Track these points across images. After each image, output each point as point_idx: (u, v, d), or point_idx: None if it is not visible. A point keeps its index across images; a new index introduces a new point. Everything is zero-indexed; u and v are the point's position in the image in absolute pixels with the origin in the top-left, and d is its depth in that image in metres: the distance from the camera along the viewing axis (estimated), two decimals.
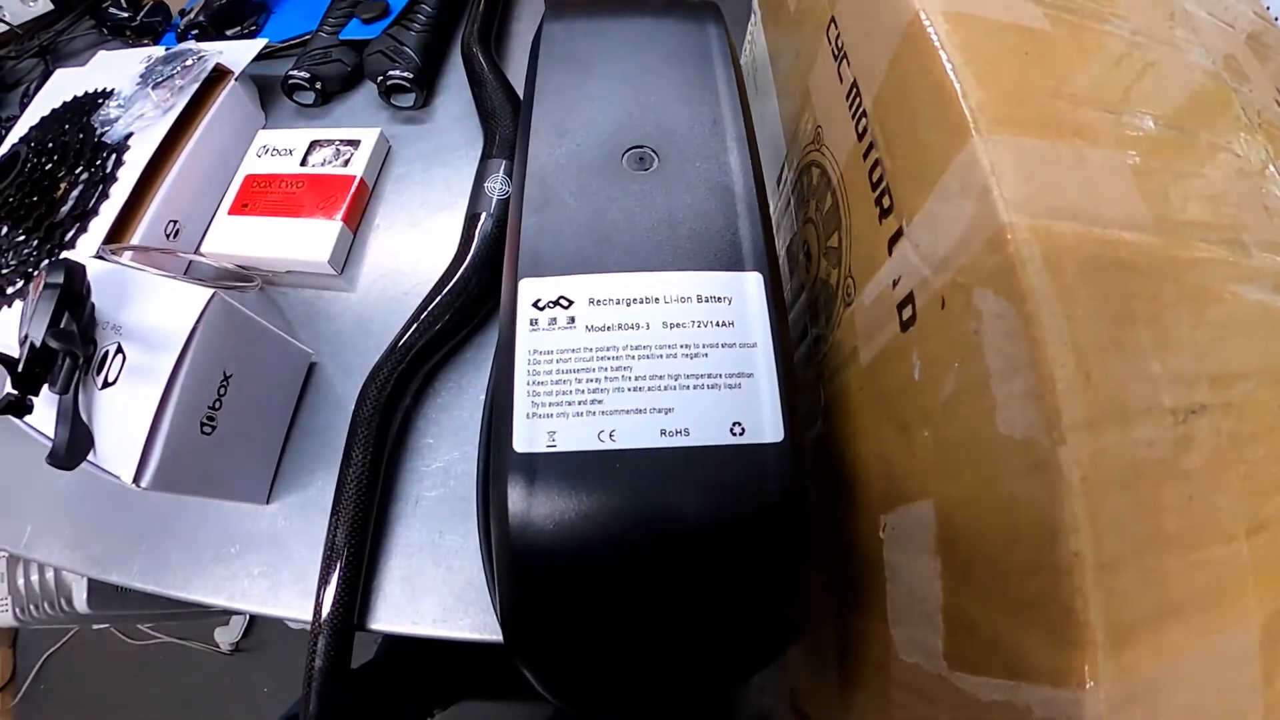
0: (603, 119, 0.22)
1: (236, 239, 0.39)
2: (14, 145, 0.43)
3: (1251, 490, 0.14)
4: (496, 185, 0.34)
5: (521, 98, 0.25)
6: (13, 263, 0.39)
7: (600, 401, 0.17)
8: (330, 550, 0.30)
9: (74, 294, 0.28)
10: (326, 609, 0.29)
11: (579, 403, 0.17)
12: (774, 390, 0.18)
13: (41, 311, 0.27)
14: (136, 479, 0.27)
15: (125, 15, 0.53)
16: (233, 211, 0.39)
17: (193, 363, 0.28)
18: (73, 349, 0.26)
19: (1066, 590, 0.13)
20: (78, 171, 0.40)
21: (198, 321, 0.28)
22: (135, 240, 0.38)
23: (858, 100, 0.22)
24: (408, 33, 0.41)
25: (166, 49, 0.43)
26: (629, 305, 0.19)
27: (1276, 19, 0.25)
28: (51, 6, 0.58)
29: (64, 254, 0.37)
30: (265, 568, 0.33)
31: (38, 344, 0.26)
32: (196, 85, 0.40)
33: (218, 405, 0.29)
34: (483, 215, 0.34)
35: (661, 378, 0.18)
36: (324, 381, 0.36)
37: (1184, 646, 0.13)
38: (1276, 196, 0.18)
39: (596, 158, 0.21)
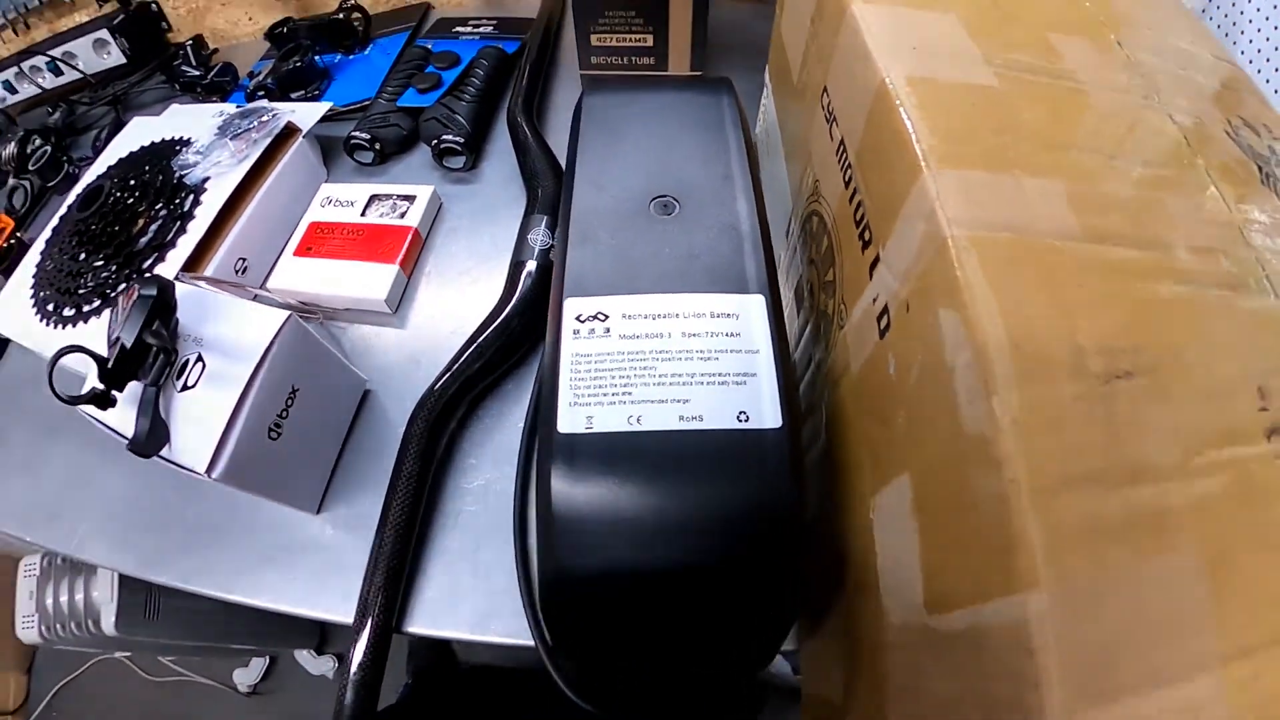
0: (633, 174, 0.28)
1: (301, 277, 0.46)
2: (97, 180, 0.51)
3: (1178, 444, 0.18)
4: (539, 237, 0.41)
5: (563, 160, 0.32)
6: (91, 284, 0.47)
7: (630, 393, 0.22)
8: (376, 553, 0.35)
9: (165, 304, 0.34)
10: (369, 609, 0.34)
11: (612, 394, 0.22)
12: (774, 387, 0.23)
13: (134, 317, 0.33)
14: (209, 470, 0.32)
15: (197, 74, 0.63)
16: (298, 253, 0.47)
17: (267, 372, 0.34)
18: (166, 346, 0.32)
19: (1007, 512, 0.16)
20: (157, 207, 0.48)
21: (275, 337, 0.34)
22: (208, 272, 0.45)
23: (844, 154, 0.28)
24: (459, 102, 0.50)
25: (238, 106, 0.52)
26: (654, 319, 0.24)
27: (1253, 60, 0.30)
28: (124, 60, 0.69)
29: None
30: (308, 573, 0.37)
31: (128, 345, 0.32)
32: (269, 140, 0.48)
33: (284, 415, 0.35)
34: (527, 263, 0.40)
35: (680, 375, 0.23)
36: (376, 407, 0.42)
37: (1125, 563, 0.16)
38: (1208, 210, 0.22)
39: (628, 205, 0.27)
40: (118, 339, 0.33)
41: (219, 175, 0.48)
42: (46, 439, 0.48)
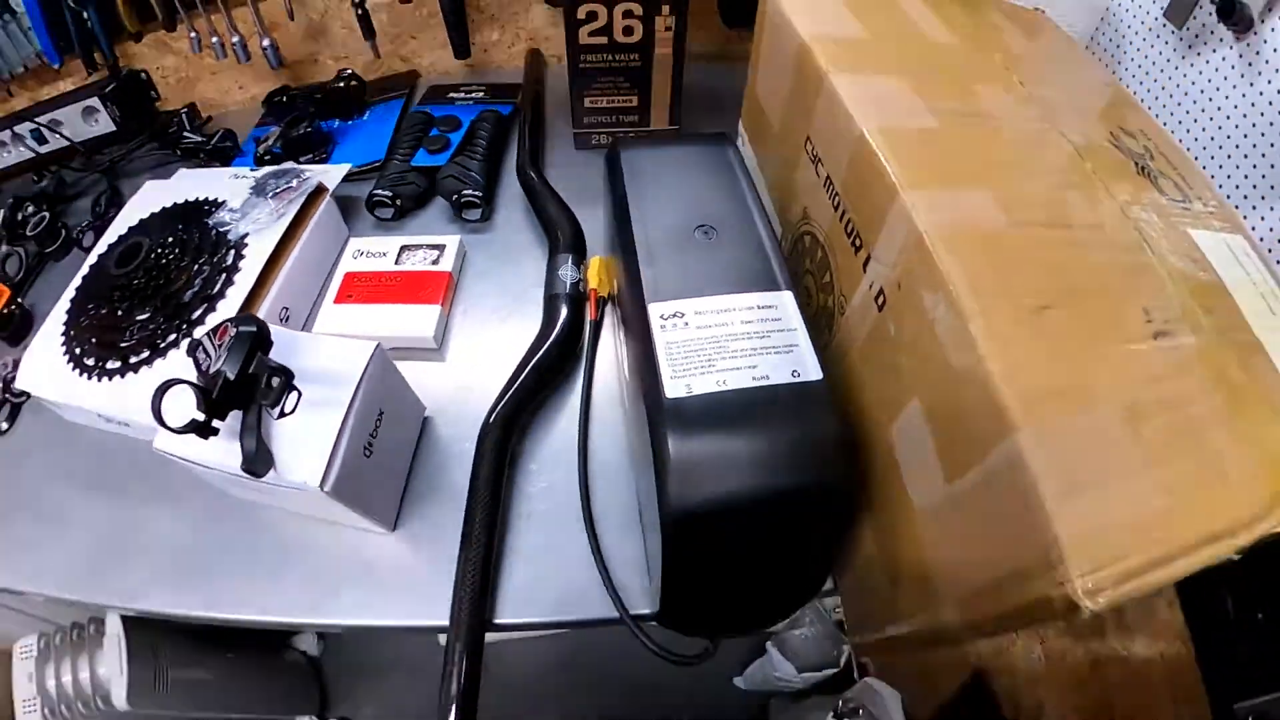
0: (675, 210, 0.38)
1: (346, 322, 0.52)
2: (131, 238, 0.56)
3: (1093, 345, 0.27)
4: (567, 273, 0.50)
5: (573, 207, 0.40)
6: (138, 336, 0.51)
7: (713, 365, 0.32)
8: (464, 560, 0.40)
9: (264, 338, 0.40)
10: (463, 608, 0.39)
11: (701, 367, 0.32)
12: (811, 353, 0.33)
13: (235, 352, 0.38)
14: (323, 483, 0.38)
15: (199, 140, 0.69)
16: (338, 301, 0.53)
17: (363, 396, 0.40)
18: (287, 375, 0.38)
19: (990, 388, 0.25)
20: (200, 262, 0.53)
21: (368, 364, 0.40)
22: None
23: (831, 186, 0.39)
24: (472, 160, 0.58)
25: (251, 169, 0.58)
26: (717, 313, 0.33)
27: (1135, 75, 0.43)
28: (114, 127, 0.74)
29: (196, 328, 0.51)
30: (387, 586, 0.43)
31: (232, 377, 0.37)
32: (304, 198, 0.55)
33: (375, 434, 0.42)
34: (560, 296, 0.49)
35: (745, 349, 0.32)
36: (433, 432, 0.48)
37: (1070, 412, 0.25)
38: (1098, 199, 0.33)
39: (677, 233, 0.37)
40: (218, 372, 0.38)
41: (257, 231, 0.54)
42: (81, 495, 0.51)
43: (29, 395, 0.59)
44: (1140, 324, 0.29)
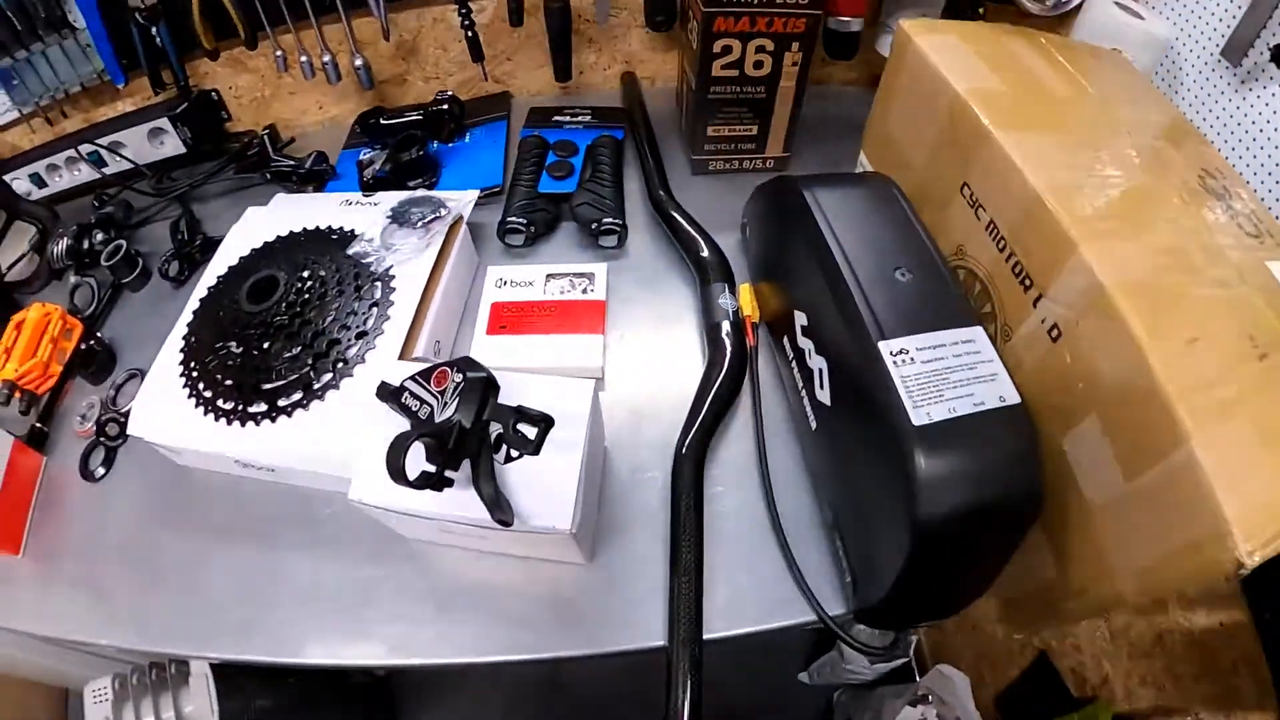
0: (876, 252, 0.48)
1: (503, 353, 0.59)
2: (263, 271, 0.58)
3: (1226, 364, 0.39)
4: (726, 302, 0.59)
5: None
6: (290, 376, 0.54)
7: (942, 395, 0.42)
8: (676, 580, 0.47)
9: (494, 385, 0.45)
10: (682, 626, 0.46)
11: (933, 398, 0.41)
12: (1008, 380, 0.43)
13: (468, 400, 0.43)
14: (572, 526, 0.44)
15: (292, 164, 0.74)
16: (490, 332, 0.60)
17: (590, 437, 0.47)
18: (547, 422, 0.43)
19: (1166, 404, 0.37)
20: (346, 296, 0.57)
21: (593, 404, 0.48)
22: (417, 354, 0.56)
23: (995, 230, 0.49)
24: (603, 187, 0.66)
25: (361, 194, 0.64)
26: (934, 348, 0.43)
27: (1191, 105, 0.55)
28: (183, 149, 0.77)
29: (355, 367, 0.54)
30: (593, 616, 0.49)
31: (468, 425, 0.42)
32: (448, 227, 0.61)
33: (595, 466, 0.50)
34: (722, 324, 0.58)
35: (962, 380, 0.42)
36: (609, 462, 0.56)
37: (1225, 420, 0.36)
38: (1209, 245, 0.45)
39: (881, 275, 0.47)
40: (451, 421, 0.42)
41: (401, 264, 0.59)
42: (217, 544, 0.55)
43: (125, 439, 0.63)
44: (1249, 348, 0.41)
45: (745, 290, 0.60)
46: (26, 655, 0.86)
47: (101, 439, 0.63)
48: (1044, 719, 0.89)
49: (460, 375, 0.44)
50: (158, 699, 0.77)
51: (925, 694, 0.96)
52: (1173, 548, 0.38)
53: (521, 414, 0.44)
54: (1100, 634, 0.84)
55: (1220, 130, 0.67)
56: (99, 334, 0.70)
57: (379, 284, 0.59)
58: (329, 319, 0.57)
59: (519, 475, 0.45)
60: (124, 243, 0.72)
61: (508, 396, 0.46)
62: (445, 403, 0.44)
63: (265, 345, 0.55)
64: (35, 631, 0.55)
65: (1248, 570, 0.34)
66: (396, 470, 0.40)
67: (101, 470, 0.62)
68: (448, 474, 0.42)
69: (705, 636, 0.48)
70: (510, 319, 0.61)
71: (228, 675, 0.80)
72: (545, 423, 0.43)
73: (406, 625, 0.50)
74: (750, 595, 0.50)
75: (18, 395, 0.64)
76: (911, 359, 0.43)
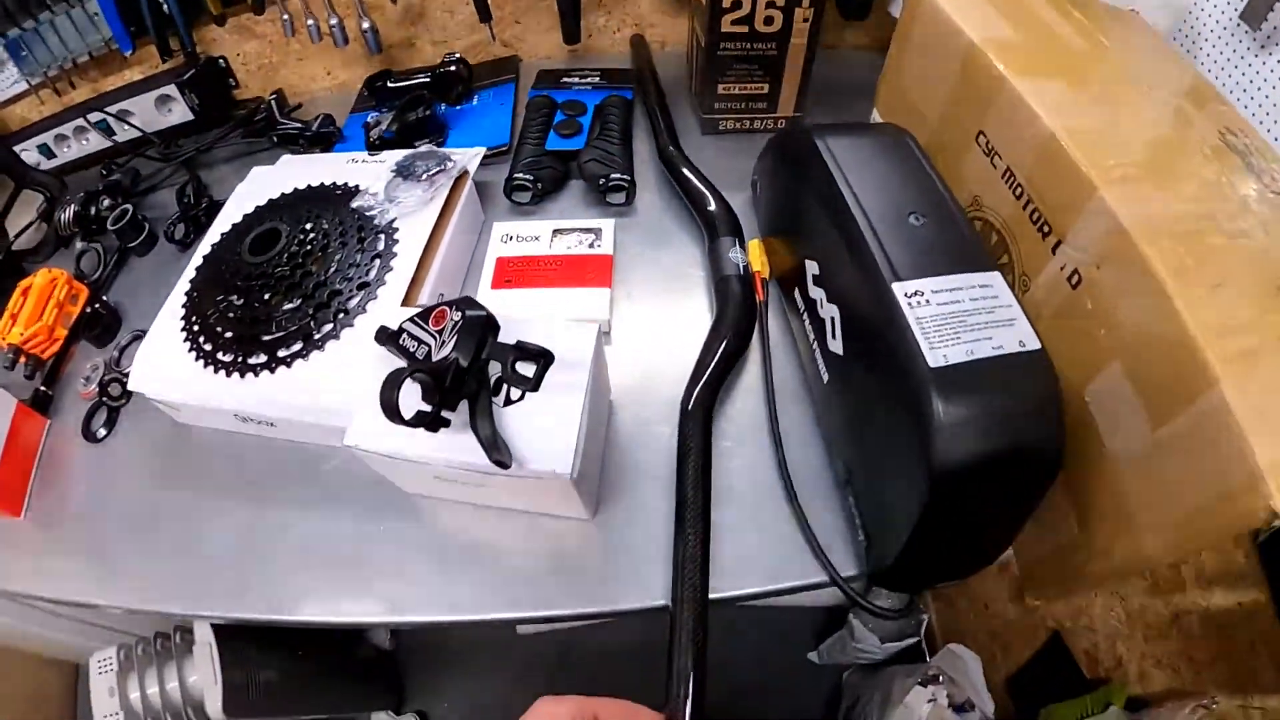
0: (890, 198, 0.46)
1: (507, 307, 0.58)
2: (265, 224, 0.58)
3: (1251, 306, 0.38)
4: (735, 256, 0.58)
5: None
6: (290, 327, 0.53)
7: (959, 337, 0.40)
8: (682, 536, 0.45)
9: (494, 324, 0.44)
10: (686, 583, 0.44)
11: (949, 339, 0.40)
12: (1028, 325, 0.42)
13: (467, 338, 0.41)
14: (572, 471, 0.42)
15: (299, 126, 0.73)
16: (496, 286, 0.60)
17: (593, 382, 0.46)
18: (547, 358, 0.42)
19: (1193, 348, 0.35)
20: (349, 248, 0.57)
21: (596, 346, 0.47)
22: (421, 304, 0.56)
23: (1011, 177, 0.48)
24: (611, 144, 0.65)
25: (364, 153, 0.63)
26: (950, 291, 0.42)
27: (1210, 69, 0.54)
28: (191, 116, 0.77)
29: (356, 317, 0.53)
30: (598, 573, 0.48)
31: (465, 364, 0.40)
32: (452, 181, 0.61)
33: (599, 415, 0.49)
34: (731, 278, 0.57)
35: (980, 323, 0.41)
36: (615, 417, 0.55)
37: (1255, 364, 0.35)
38: (1232, 197, 0.44)
39: (895, 220, 0.45)
40: (449, 360, 0.41)
41: (405, 217, 0.59)
42: (213, 502, 0.54)
43: (128, 399, 0.63)
44: (1277, 296, 0.40)
45: (755, 245, 0.59)
46: (37, 629, 0.87)
47: (104, 399, 0.63)
48: (1056, 700, 0.88)
49: (459, 314, 0.43)
50: (162, 668, 0.77)
51: (936, 674, 0.94)
52: (1202, 500, 0.36)
53: (521, 350, 0.42)
54: (1115, 615, 0.83)
55: (1240, 95, 0.65)
56: (105, 298, 0.69)
57: (382, 236, 0.58)
58: (331, 270, 0.56)
59: (519, 419, 0.44)
60: (130, 207, 0.71)
61: (509, 338, 0.45)
62: (443, 341, 0.43)
63: (266, 296, 0.55)
64: (34, 592, 0.54)
65: None
66: (390, 406, 0.39)
67: (103, 431, 0.62)
68: (444, 414, 0.41)
69: (711, 596, 0.46)
70: (516, 273, 0.60)
71: (232, 646, 0.80)
72: (544, 358, 0.42)
73: (406, 583, 0.50)
74: (759, 555, 0.49)
75: (23, 360, 0.65)
76: (926, 301, 0.42)
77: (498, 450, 0.41)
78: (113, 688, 0.75)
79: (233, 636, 0.81)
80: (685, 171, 0.64)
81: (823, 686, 1.09)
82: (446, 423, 0.41)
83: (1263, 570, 0.63)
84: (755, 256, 0.58)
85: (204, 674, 0.76)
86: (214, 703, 0.75)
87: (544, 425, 0.43)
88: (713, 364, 0.53)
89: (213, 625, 0.79)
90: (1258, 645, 0.64)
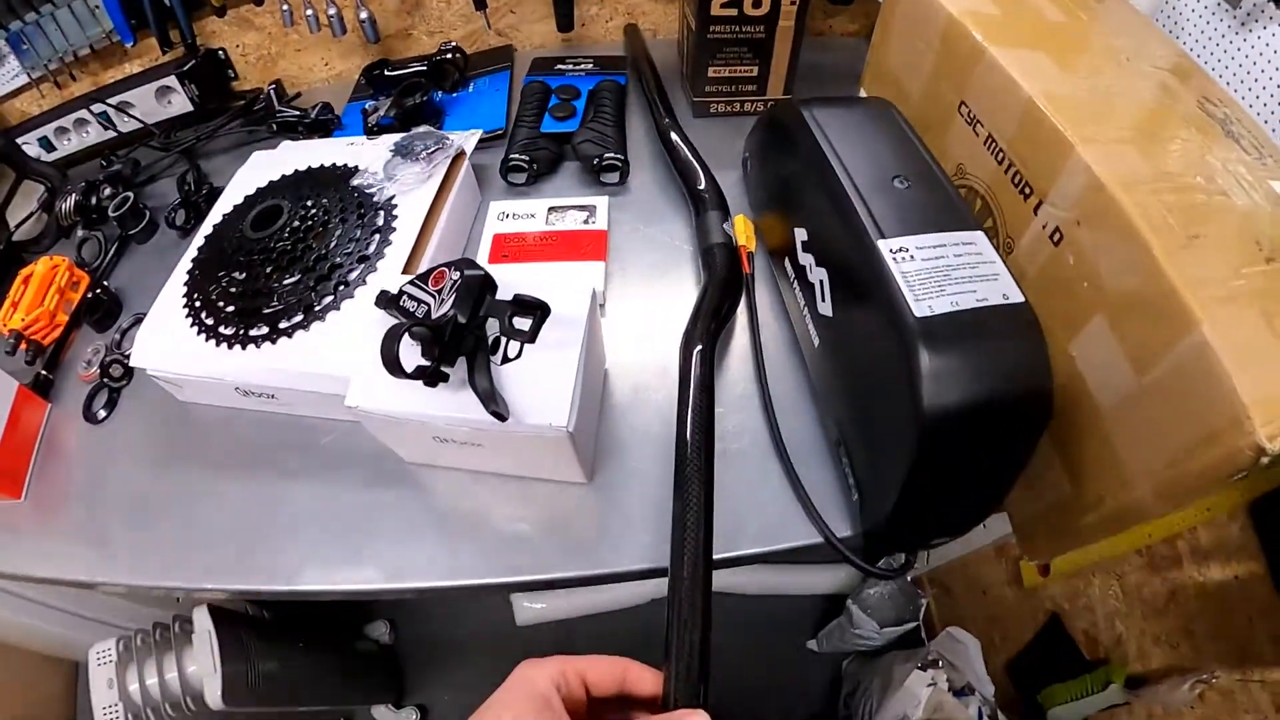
0: (871, 163, 0.48)
1: (504, 280, 0.59)
2: (268, 201, 0.60)
3: (1226, 264, 0.39)
4: (722, 229, 0.59)
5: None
6: (291, 299, 0.54)
7: (944, 290, 0.42)
8: (682, 497, 0.43)
9: (491, 282, 0.45)
10: (687, 545, 0.42)
11: (934, 292, 0.41)
12: (1011, 280, 0.43)
13: (465, 296, 0.43)
14: (569, 424, 0.43)
15: (298, 113, 0.75)
16: (493, 261, 0.61)
17: (588, 337, 0.47)
18: (543, 309, 0.43)
19: (1174, 295, 0.37)
20: (349, 224, 0.58)
21: (591, 307, 0.48)
22: None
23: (993, 143, 0.50)
24: (605, 126, 0.67)
25: (363, 138, 0.65)
26: (934, 248, 0.43)
27: (1192, 48, 0.56)
28: (191, 107, 0.79)
29: (356, 289, 0.55)
30: (595, 536, 0.49)
31: (463, 320, 0.42)
32: (449, 160, 0.62)
33: (594, 378, 0.50)
34: (716, 246, 0.58)
35: (965, 277, 0.42)
36: (609, 383, 0.56)
37: (1233, 308, 0.36)
38: (1209, 159, 0.45)
39: (880, 183, 0.47)
40: (447, 317, 0.42)
41: (403, 194, 0.60)
42: (210, 482, 0.55)
43: (129, 379, 0.64)
44: (1255, 252, 0.41)
45: (740, 220, 0.60)
46: (37, 624, 0.87)
47: (105, 380, 0.64)
48: (1057, 682, 0.89)
49: (458, 273, 0.45)
50: (161, 659, 0.77)
51: (935, 658, 0.95)
52: (1189, 442, 0.37)
53: (518, 303, 0.43)
54: (1113, 593, 0.84)
55: (1222, 72, 0.67)
56: (105, 283, 0.70)
57: (381, 212, 0.60)
58: (331, 244, 0.57)
59: (517, 377, 0.45)
60: (131, 195, 0.73)
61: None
62: (442, 299, 0.44)
63: (268, 270, 0.56)
64: (34, 574, 0.55)
65: (1269, 456, 0.33)
66: (391, 359, 0.40)
67: (104, 413, 0.62)
68: (444, 369, 0.42)
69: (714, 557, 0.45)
70: (512, 249, 0.61)
71: (232, 636, 0.80)
72: (541, 309, 0.43)
73: (404, 550, 0.50)
74: (752, 517, 0.50)
75: (24, 345, 0.65)
76: (911, 256, 0.43)
77: (495, 402, 0.41)
78: (111, 679, 0.75)
79: (233, 625, 0.81)
80: (678, 142, 0.65)
81: (823, 675, 1.10)
82: (445, 377, 0.42)
83: (1256, 534, 0.64)
84: (741, 230, 0.59)
85: (203, 663, 0.76)
86: (213, 691, 0.75)
87: (541, 381, 0.45)
88: (704, 305, 0.53)
89: (212, 614, 0.79)
90: (1255, 619, 0.65)
